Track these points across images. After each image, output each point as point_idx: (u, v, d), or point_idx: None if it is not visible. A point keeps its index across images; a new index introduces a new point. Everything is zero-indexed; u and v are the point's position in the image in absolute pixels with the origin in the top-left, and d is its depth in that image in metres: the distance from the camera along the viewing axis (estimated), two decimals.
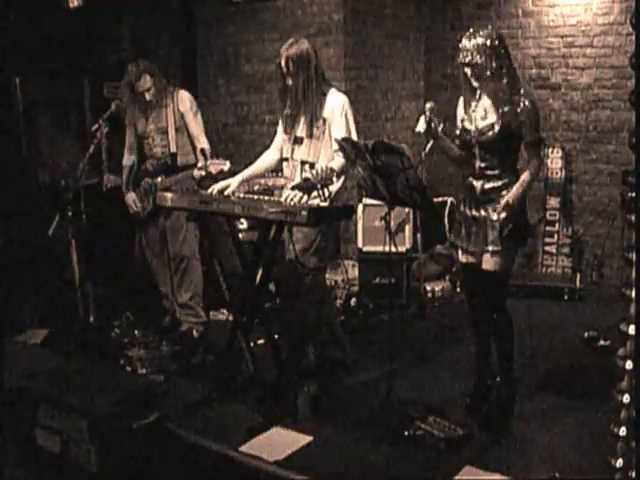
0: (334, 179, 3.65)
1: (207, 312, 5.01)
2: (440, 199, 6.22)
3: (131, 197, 4.77)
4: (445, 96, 6.58)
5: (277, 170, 4.23)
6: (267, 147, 4.16)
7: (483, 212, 3.45)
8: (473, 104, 3.44)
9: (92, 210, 4.59)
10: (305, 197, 3.53)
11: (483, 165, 3.43)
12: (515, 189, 3.35)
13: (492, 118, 3.36)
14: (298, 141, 3.90)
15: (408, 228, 5.38)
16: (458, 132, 3.54)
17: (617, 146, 5.72)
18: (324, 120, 3.81)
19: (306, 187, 3.54)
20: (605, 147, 5.80)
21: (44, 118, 6.42)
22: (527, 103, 3.33)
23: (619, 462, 2.37)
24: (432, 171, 6.73)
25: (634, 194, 2.29)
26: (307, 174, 3.73)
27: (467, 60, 3.29)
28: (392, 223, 3.98)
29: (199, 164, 4.22)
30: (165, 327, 4.89)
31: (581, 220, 5.92)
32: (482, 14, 6.26)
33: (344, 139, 3.58)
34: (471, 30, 3.35)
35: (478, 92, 3.41)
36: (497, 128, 3.34)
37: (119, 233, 5.36)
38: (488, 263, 3.44)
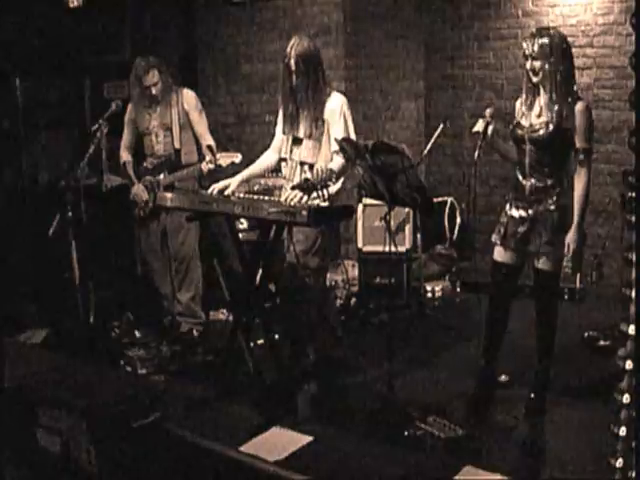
0: (334, 180, 3.65)
1: (207, 312, 5.01)
2: (440, 199, 6.23)
3: (139, 188, 4.73)
4: (445, 96, 6.59)
5: (277, 170, 4.22)
6: (267, 147, 4.15)
7: (532, 212, 3.48)
8: (530, 101, 3.48)
9: (92, 210, 4.59)
10: (305, 197, 3.53)
11: (533, 163, 3.45)
12: (575, 223, 3.38)
13: (546, 116, 3.39)
14: (297, 141, 3.89)
15: (408, 228, 5.38)
16: (512, 127, 3.57)
17: (617, 146, 5.72)
18: (324, 121, 3.81)
19: (306, 187, 3.54)
20: (605, 147, 5.79)
21: (44, 118, 6.42)
22: (582, 106, 3.36)
23: (619, 462, 2.36)
24: (432, 171, 6.73)
25: (634, 194, 2.29)
26: (307, 174, 3.73)
27: (532, 54, 3.34)
28: (392, 223, 3.97)
29: (207, 158, 4.21)
30: (165, 327, 4.89)
31: None
32: (482, 14, 6.26)
33: (344, 139, 3.57)
34: (539, 27, 3.50)
35: (537, 89, 3.44)
36: (551, 127, 3.37)
37: (119, 233, 5.36)
38: (543, 263, 3.49)
